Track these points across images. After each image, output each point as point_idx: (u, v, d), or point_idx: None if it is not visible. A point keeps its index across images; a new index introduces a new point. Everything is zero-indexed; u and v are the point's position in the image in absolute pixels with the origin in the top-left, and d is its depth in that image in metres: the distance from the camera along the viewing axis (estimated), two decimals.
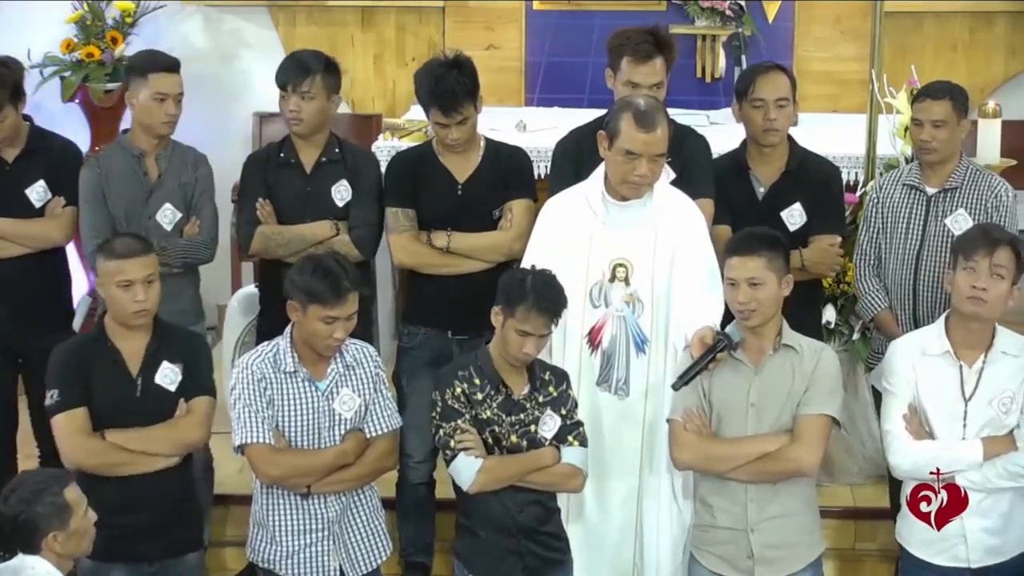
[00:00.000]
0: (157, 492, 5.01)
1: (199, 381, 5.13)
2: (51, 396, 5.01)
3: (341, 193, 5.82)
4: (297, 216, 5.80)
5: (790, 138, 5.83)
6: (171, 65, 5.83)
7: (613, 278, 5.27)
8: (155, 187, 5.85)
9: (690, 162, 5.65)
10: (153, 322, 5.10)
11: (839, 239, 5.79)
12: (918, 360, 5.05)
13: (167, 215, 5.85)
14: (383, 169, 6.01)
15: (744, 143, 5.85)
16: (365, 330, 5.55)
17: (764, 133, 5.71)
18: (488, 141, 5.84)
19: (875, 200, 5.81)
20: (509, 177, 5.75)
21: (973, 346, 5.01)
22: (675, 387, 5.01)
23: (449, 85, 5.58)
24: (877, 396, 5.73)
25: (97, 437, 4.99)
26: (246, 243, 5.84)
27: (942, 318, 5.10)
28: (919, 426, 5.03)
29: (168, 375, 5.07)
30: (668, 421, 5.07)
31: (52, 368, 5.07)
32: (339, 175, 5.83)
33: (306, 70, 5.74)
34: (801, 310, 5.45)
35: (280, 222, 5.81)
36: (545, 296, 4.91)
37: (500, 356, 4.96)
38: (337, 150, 5.86)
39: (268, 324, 5.80)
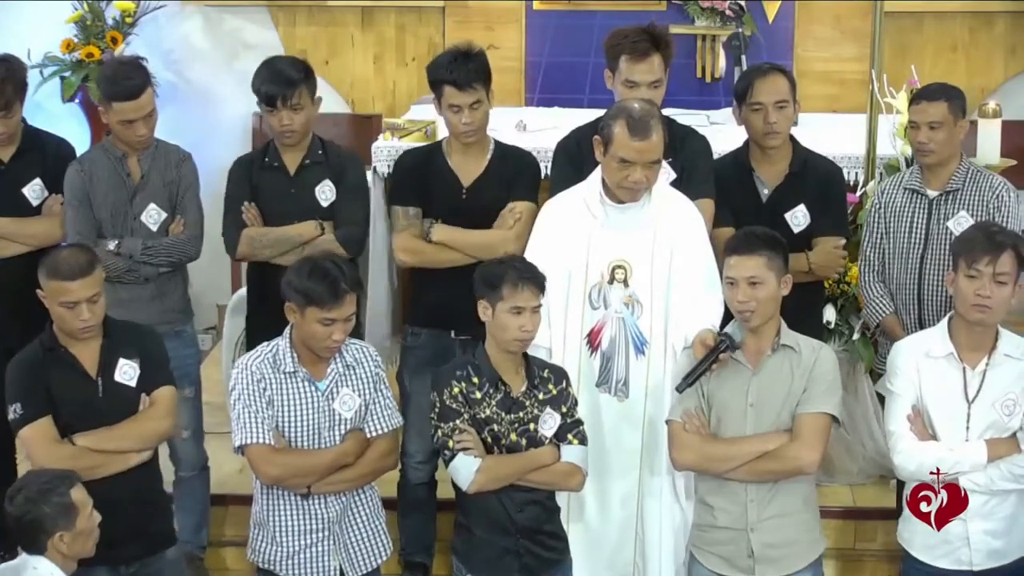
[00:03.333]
0: (129, 492, 5.00)
1: (157, 373, 5.12)
2: (14, 411, 4.97)
3: (325, 193, 5.84)
4: (283, 218, 5.81)
5: (792, 138, 5.83)
6: (132, 92, 5.71)
7: (612, 280, 5.27)
8: (139, 188, 5.86)
9: (691, 163, 5.65)
10: (102, 321, 5.07)
11: (843, 240, 5.79)
12: (922, 362, 5.05)
13: (152, 215, 5.85)
14: (385, 167, 6.00)
15: (747, 143, 5.84)
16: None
17: (765, 136, 5.71)
18: (497, 143, 5.85)
19: (877, 205, 5.81)
20: (513, 179, 5.75)
21: (976, 348, 5.02)
22: (679, 389, 5.01)
23: (463, 62, 5.62)
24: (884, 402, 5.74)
25: (67, 443, 4.96)
26: (232, 247, 5.85)
27: (945, 320, 5.10)
28: (923, 428, 5.03)
29: (127, 371, 5.06)
30: (667, 422, 5.07)
31: (11, 382, 5.03)
32: (322, 175, 5.84)
33: (293, 83, 5.70)
34: (802, 310, 5.45)
35: (266, 224, 5.82)
36: (525, 269, 4.94)
37: (498, 351, 4.95)
38: (320, 151, 5.88)
39: (256, 327, 5.82)
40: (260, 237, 5.80)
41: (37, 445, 4.96)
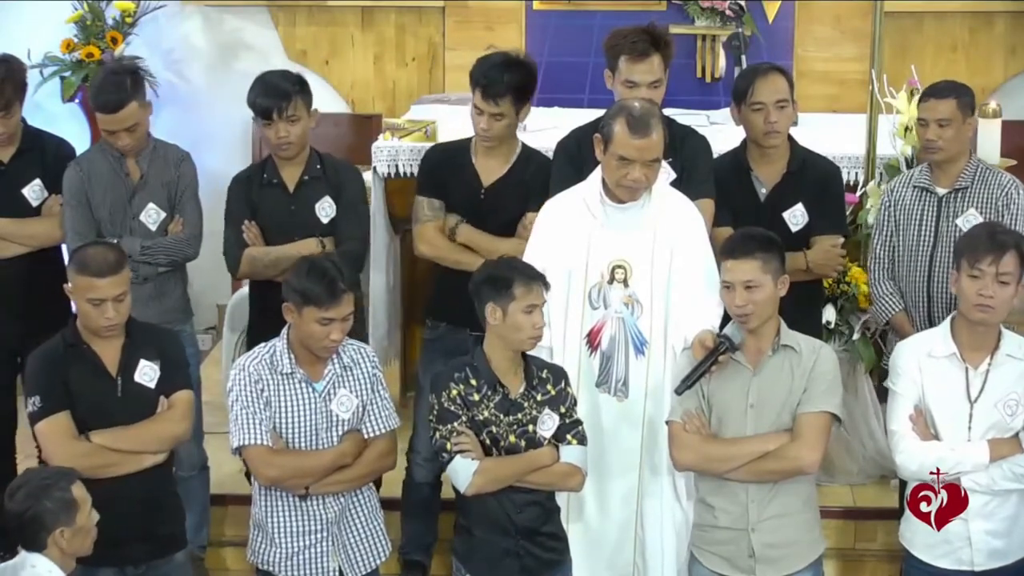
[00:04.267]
0: (141, 493, 5.01)
1: (177, 376, 5.13)
2: (32, 403, 4.98)
3: (325, 210, 5.83)
4: (283, 236, 5.81)
5: (790, 138, 5.82)
6: (113, 106, 5.72)
7: (612, 279, 5.26)
8: (138, 187, 5.87)
9: (691, 162, 5.64)
10: (125, 322, 5.08)
11: (841, 239, 5.79)
12: (924, 362, 5.05)
13: (151, 215, 5.86)
14: (385, 167, 5.96)
15: (744, 143, 5.84)
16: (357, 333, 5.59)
17: (765, 136, 5.71)
18: (524, 147, 5.86)
19: (887, 203, 5.81)
20: (532, 186, 5.75)
21: (979, 348, 5.01)
22: (678, 391, 5.01)
23: (500, 72, 5.63)
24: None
25: (83, 440, 4.97)
26: (234, 266, 5.85)
27: (947, 320, 5.11)
28: (925, 427, 5.03)
29: (147, 373, 5.06)
30: (667, 423, 5.07)
31: (31, 376, 5.05)
32: (322, 192, 5.84)
33: (286, 94, 5.71)
34: (802, 310, 5.46)
35: (266, 242, 5.82)
36: (527, 267, 4.95)
37: (500, 353, 4.94)
38: (319, 166, 5.87)
39: (257, 341, 5.82)
40: (262, 257, 5.79)
41: (53, 440, 4.97)
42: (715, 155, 5.89)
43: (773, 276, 4.93)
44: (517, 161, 5.81)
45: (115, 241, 5.73)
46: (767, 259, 4.92)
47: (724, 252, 4.99)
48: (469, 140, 5.88)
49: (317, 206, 5.83)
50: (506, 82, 5.63)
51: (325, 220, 5.83)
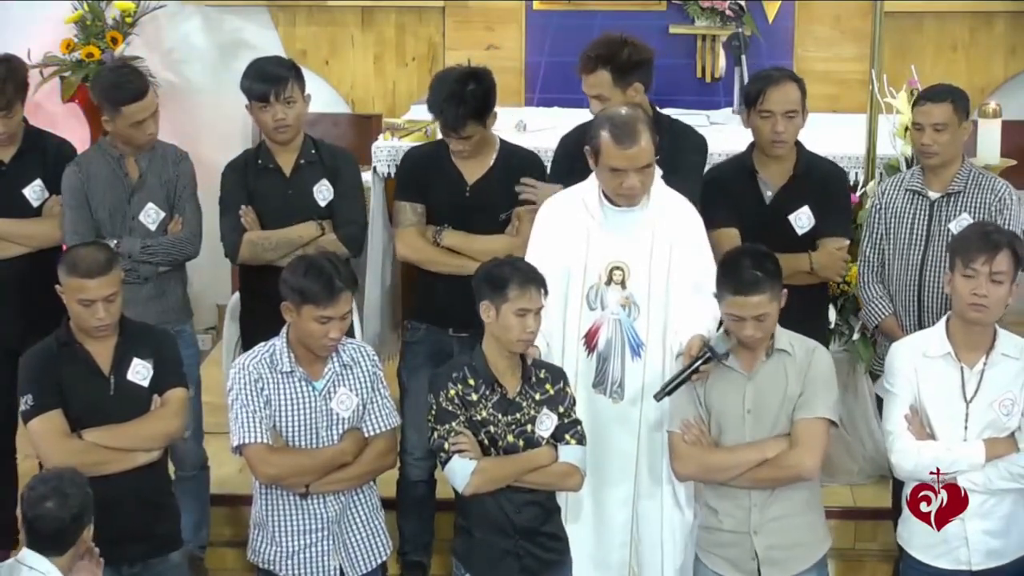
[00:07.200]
0: (136, 492, 5.02)
1: (170, 374, 5.14)
2: (25, 401, 5.00)
3: (323, 193, 5.85)
4: (280, 220, 5.83)
5: (797, 142, 5.78)
6: (138, 92, 5.76)
7: (609, 281, 5.25)
8: (137, 187, 5.88)
9: (678, 155, 5.60)
10: (118, 320, 5.09)
11: (847, 242, 5.76)
12: (919, 362, 5.05)
13: (151, 215, 5.87)
14: (385, 167, 6.12)
15: (751, 146, 5.81)
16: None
17: (772, 144, 5.67)
18: (503, 144, 5.85)
19: (878, 206, 5.79)
20: (518, 181, 5.74)
21: (974, 348, 5.01)
22: (657, 397, 5.02)
23: (455, 109, 5.60)
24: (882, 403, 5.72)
25: (76, 438, 4.99)
26: (233, 252, 5.85)
27: (943, 320, 5.10)
28: (921, 427, 5.03)
29: (140, 371, 5.08)
30: (668, 433, 5.07)
31: (24, 374, 5.07)
32: (319, 175, 5.86)
33: (282, 77, 5.76)
34: (807, 312, 5.46)
35: (263, 227, 5.83)
36: (528, 271, 4.93)
37: (496, 352, 4.94)
38: (313, 151, 5.89)
39: (250, 326, 5.84)
40: (262, 241, 5.80)
41: (46, 438, 4.98)
42: (713, 155, 5.87)
43: (778, 300, 4.91)
44: (499, 157, 5.79)
45: (115, 241, 5.75)
46: (773, 287, 4.87)
47: (729, 288, 4.87)
48: (444, 141, 5.85)
49: (315, 190, 5.85)
50: (464, 113, 5.60)
51: (323, 204, 5.85)
